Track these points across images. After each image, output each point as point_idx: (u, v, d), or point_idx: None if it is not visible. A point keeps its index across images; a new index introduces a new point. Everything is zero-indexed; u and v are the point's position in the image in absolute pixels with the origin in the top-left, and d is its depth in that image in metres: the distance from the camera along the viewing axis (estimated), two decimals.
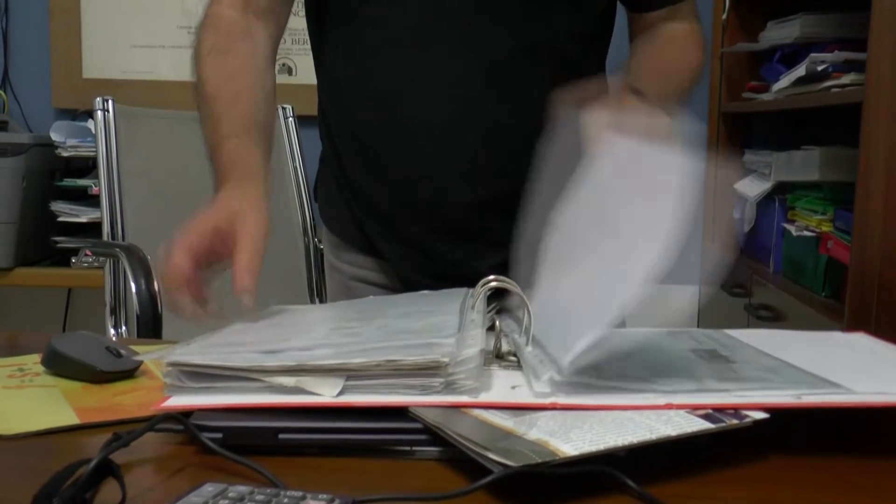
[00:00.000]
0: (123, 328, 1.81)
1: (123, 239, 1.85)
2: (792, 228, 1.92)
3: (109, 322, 1.83)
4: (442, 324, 0.73)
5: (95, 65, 2.68)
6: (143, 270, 1.56)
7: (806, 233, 1.84)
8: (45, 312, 2.69)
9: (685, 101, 1.11)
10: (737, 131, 2.50)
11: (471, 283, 0.89)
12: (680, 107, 1.07)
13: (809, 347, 0.88)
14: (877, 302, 1.38)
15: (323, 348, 0.70)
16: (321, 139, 1.21)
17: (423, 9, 1.04)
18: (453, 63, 1.04)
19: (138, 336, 1.53)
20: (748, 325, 1.98)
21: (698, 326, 0.95)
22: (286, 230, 2.12)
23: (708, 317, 2.39)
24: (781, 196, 2.04)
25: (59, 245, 2.34)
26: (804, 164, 1.90)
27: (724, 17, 2.43)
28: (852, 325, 1.42)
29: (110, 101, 1.90)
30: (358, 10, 1.07)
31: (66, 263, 2.38)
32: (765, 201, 2.14)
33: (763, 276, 2.03)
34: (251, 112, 1.00)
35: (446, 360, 0.66)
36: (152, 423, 0.62)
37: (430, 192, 1.07)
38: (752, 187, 2.22)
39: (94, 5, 2.66)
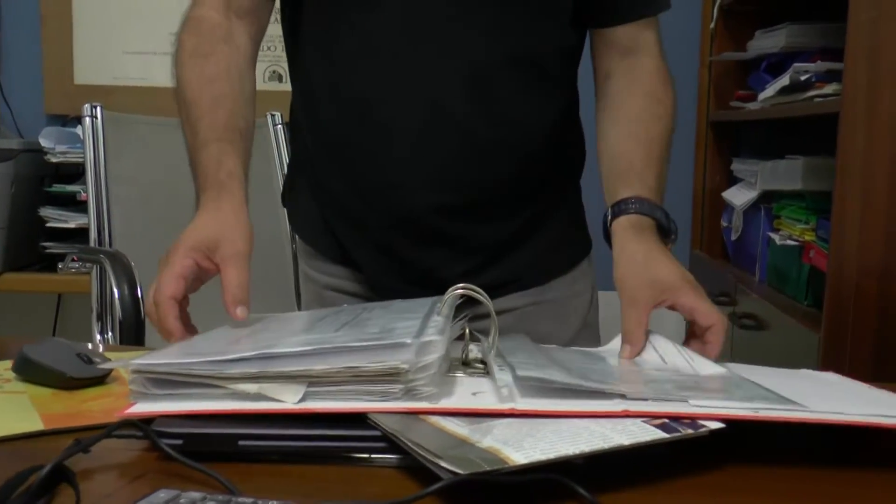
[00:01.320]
0: (110, 334, 1.81)
1: (111, 245, 1.85)
2: (776, 237, 1.93)
3: (96, 328, 1.83)
4: (404, 329, 0.74)
5: (87, 71, 2.69)
6: (127, 276, 1.56)
7: (789, 242, 1.85)
8: (35, 318, 2.69)
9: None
10: (725, 140, 2.50)
11: (445, 289, 0.89)
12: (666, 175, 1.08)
13: (776, 378, 0.88)
14: (853, 312, 1.39)
15: (285, 347, 0.71)
16: (292, 145, 1.22)
17: (403, 16, 1.03)
18: (430, 70, 1.04)
19: (121, 342, 1.54)
20: (732, 335, 1.99)
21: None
22: (274, 237, 2.12)
23: None
24: (767, 205, 2.05)
25: (47, 251, 2.34)
26: (788, 174, 1.91)
27: (711, 25, 2.44)
28: (830, 335, 1.42)
29: (98, 108, 1.90)
30: (336, 15, 1.07)
31: (55, 269, 2.39)
32: (751, 210, 2.15)
33: (748, 285, 2.04)
34: (230, 117, 1.01)
35: (406, 366, 0.67)
36: (109, 429, 0.63)
37: (401, 198, 1.07)
38: (739, 196, 2.23)
39: (86, 11, 2.66)
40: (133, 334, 1.52)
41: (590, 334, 1.22)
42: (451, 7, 1.03)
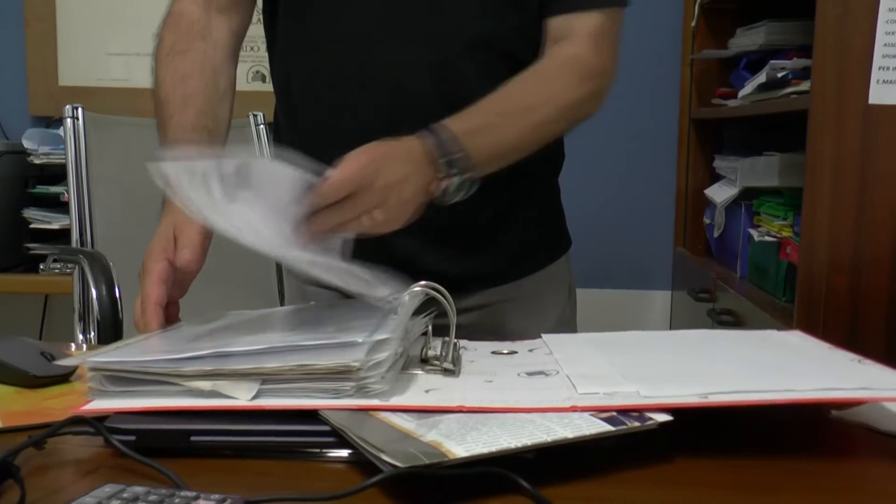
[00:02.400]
0: (92, 334, 1.82)
1: (93, 245, 1.85)
2: (755, 234, 1.93)
3: (78, 328, 1.83)
4: (359, 327, 0.75)
5: (71, 72, 2.69)
6: (105, 277, 1.57)
7: (768, 238, 1.86)
8: (23, 318, 2.69)
9: (546, 137, 1.05)
10: (707, 137, 2.51)
11: (421, 277, 0.90)
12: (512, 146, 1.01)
13: (737, 348, 0.89)
14: (824, 308, 1.40)
15: (240, 345, 0.72)
16: (274, 143, 1.23)
17: (373, 2, 1.05)
18: (400, 57, 1.04)
19: (99, 342, 1.54)
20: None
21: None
22: None
23: (675, 322, 2.41)
24: (748, 202, 2.06)
25: (30, 252, 2.34)
26: (765, 170, 1.92)
27: (693, 24, 2.45)
28: (801, 330, 1.43)
29: (80, 109, 1.90)
30: (308, 4, 1.08)
31: (38, 270, 2.39)
32: (733, 207, 2.16)
33: (729, 281, 2.05)
34: (198, 116, 1.02)
35: (357, 364, 0.67)
36: (56, 426, 0.63)
37: None
38: (721, 193, 2.23)
39: (70, 13, 2.67)
40: (111, 334, 1.53)
41: (567, 331, 1.23)
42: None
